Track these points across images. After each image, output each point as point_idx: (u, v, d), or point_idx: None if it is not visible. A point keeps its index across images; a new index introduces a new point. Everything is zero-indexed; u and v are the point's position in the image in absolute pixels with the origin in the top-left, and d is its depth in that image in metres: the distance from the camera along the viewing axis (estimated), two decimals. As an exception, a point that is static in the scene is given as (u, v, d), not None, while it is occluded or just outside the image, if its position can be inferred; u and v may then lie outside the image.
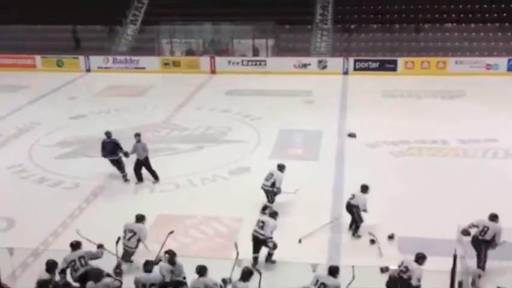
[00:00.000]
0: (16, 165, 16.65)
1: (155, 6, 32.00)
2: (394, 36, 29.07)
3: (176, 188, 15.03)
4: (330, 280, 9.15)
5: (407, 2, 30.05)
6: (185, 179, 15.45)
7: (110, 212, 13.46)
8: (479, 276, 10.11)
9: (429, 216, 12.83)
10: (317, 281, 9.23)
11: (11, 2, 31.28)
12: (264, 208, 12.99)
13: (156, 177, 15.30)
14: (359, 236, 12.20)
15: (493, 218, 10.73)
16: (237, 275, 9.23)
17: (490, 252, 10.56)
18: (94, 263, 9.85)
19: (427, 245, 10.72)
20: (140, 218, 11.12)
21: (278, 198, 13.38)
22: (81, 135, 19.17)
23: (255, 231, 11.07)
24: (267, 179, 13.27)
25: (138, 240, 10.91)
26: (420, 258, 9.50)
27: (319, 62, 27.26)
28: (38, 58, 29.29)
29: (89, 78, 27.90)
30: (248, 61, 27.82)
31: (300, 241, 11.79)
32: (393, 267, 9.78)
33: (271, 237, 11.08)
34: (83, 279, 9.49)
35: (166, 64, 28.55)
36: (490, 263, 10.57)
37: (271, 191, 13.24)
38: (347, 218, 12.49)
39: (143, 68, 28.56)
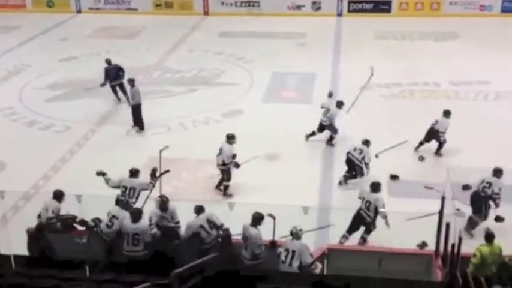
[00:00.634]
0: (6, 108, 16.56)
1: None
2: (389, -24, 28.42)
3: (168, 131, 15.04)
4: (373, 197, 9.88)
5: None
6: (177, 122, 15.45)
7: (101, 156, 13.48)
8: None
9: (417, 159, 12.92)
10: (363, 198, 10.04)
11: None
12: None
13: (142, 126, 15.00)
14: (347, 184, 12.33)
15: (496, 173, 10.48)
16: (228, 218, 9.29)
17: None
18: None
19: (417, 187, 10.84)
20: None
21: (268, 146, 13.42)
22: (72, 77, 18.98)
23: None
24: (359, 153, 12.10)
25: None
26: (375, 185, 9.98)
27: (313, 3, 26.76)
28: (28, -2, 28.67)
29: (79, 19, 27.36)
30: (242, 2, 27.33)
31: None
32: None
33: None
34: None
35: (158, 5, 27.95)
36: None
37: (359, 166, 12.18)
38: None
39: (135, 9, 27.97)
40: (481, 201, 10.52)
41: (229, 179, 12.06)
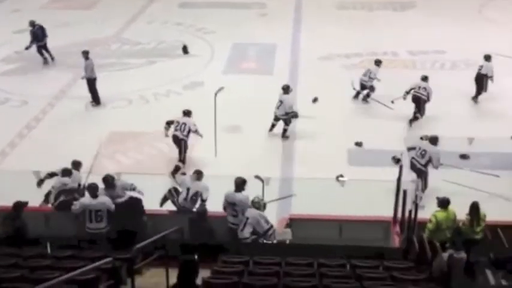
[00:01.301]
0: (-42, 83, 16.11)
1: None
2: None
3: (129, 104, 14.89)
4: (430, 147, 10.53)
5: None
6: (137, 95, 15.30)
7: (59, 130, 13.31)
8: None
9: (378, 128, 13.18)
10: (419, 147, 10.64)
11: None
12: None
13: (99, 101, 14.72)
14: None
15: (433, 140, 10.69)
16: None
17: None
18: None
19: (376, 156, 11.08)
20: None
21: (230, 118, 13.47)
22: (27, 51, 18.48)
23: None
24: (421, 156, 10.81)
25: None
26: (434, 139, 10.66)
27: (274, -28, 26.57)
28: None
29: (33, -10, 26.58)
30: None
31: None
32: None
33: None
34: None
35: (115, -25, 27.35)
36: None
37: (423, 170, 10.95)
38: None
39: (91, -22, 27.31)
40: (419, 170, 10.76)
41: (288, 124, 13.06)
